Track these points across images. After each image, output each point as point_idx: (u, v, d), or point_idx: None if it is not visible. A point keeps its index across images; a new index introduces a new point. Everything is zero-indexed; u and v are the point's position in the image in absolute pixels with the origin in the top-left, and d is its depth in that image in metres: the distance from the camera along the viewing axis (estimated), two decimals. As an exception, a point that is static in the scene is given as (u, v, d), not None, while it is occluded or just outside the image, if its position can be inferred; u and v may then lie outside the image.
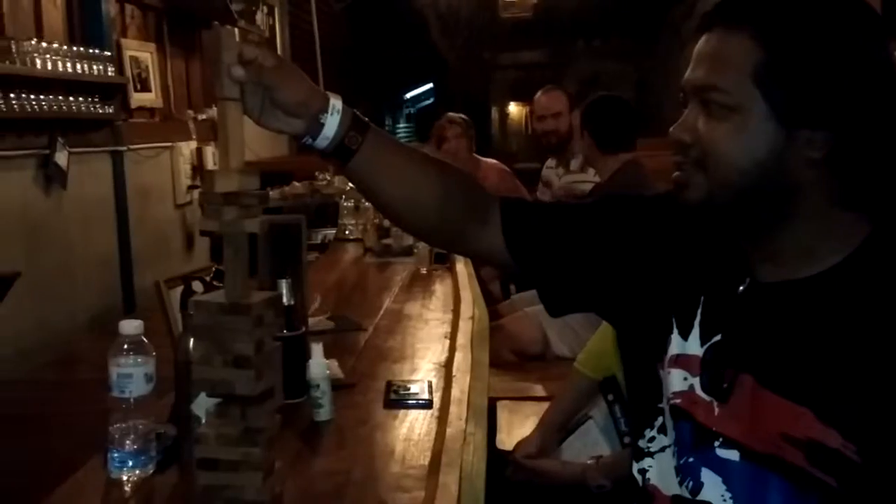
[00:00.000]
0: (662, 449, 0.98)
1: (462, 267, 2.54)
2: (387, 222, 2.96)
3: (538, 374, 2.31)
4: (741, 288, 0.91)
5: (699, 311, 0.94)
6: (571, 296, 1.08)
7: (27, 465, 0.95)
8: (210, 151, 4.84)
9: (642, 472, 1.00)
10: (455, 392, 1.45)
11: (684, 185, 0.89)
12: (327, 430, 1.34)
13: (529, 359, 2.47)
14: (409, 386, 1.51)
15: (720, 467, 0.88)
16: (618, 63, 8.23)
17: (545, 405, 1.85)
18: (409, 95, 10.76)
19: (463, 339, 1.79)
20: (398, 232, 2.90)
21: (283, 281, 1.47)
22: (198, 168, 4.75)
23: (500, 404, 2.05)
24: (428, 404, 1.42)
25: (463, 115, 4.09)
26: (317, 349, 1.40)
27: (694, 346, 0.93)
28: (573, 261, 1.05)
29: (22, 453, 1.44)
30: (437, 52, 9.19)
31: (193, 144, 4.72)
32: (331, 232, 3.28)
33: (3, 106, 3.02)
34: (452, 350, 1.72)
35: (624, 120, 2.70)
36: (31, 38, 3.27)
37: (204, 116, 4.84)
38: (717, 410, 0.89)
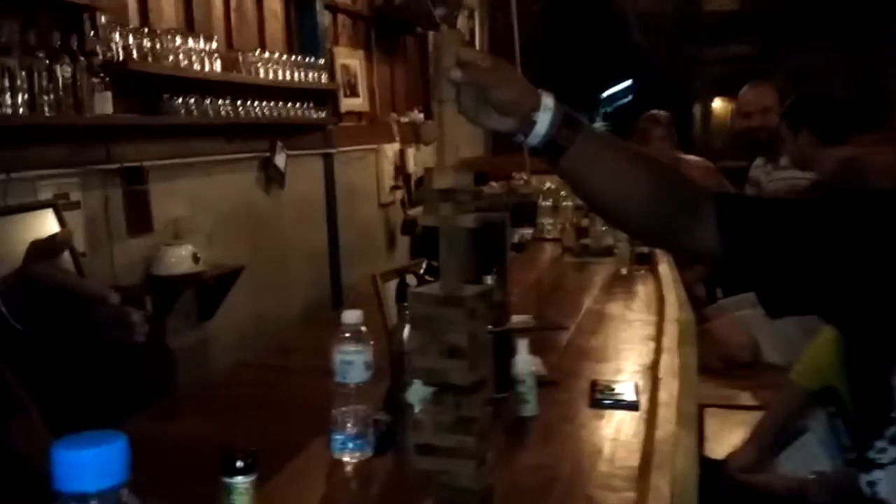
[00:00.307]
0: (895, 461, 0.92)
1: (665, 268, 2.47)
2: (585, 222, 2.93)
3: (748, 382, 2.19)
4: None
5: None
6: (793, 297, 1.02)
7: (256, 443, 1.03)
8: (411, 153, 5.03)
9: (871, 484, 0.95)
10: (663, 395, 1.41)
11: None
12: (533, 425, 1.35)
13: (737, 366, 2.36)
14: (613, 386, 1.49)
15: None
16: (835, 56, 7.63)
17: (755, 414, 1.76)
18: (605, 94, 10.64)
19: (669, 341, 1.74)
20: (597, 232, 2.86)
21: (489, 277, 1.50)
22: (400, 169, 4.96)
23: (707, 411, 1.97)
24: (634, 406, 1.39)
25: (666, 112, 3.97)
26: (522, 345, 1.41)
27: None
28: (797, 259, 0.99)
29: (252, 432, 1.57)
30: (636, 49, 8.98)
31: (396, 146, 4.93)
32: (528, 231, 3.30)
33: (231, 112, 3.31)
34: (658, 352, 1.68)
35: (842, 115, 2.52)
36: (255, 50, 3.56)
37: (406, 119, 5.04)
38: None
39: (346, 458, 1.18)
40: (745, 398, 2.10)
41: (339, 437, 1.18)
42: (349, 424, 1.19)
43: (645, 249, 2.69)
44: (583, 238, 2.91)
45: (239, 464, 0.93)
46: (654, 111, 4.01)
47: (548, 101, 1.00)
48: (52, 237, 0.97)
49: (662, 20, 8.26)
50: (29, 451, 1.26)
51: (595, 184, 1.04)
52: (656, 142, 3.89)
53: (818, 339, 1.62)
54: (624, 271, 2.57)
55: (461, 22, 5.86)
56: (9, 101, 2.22)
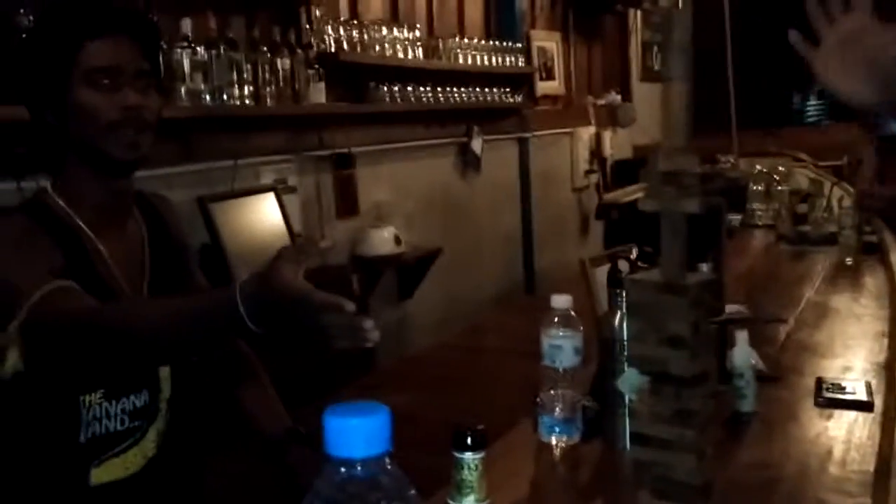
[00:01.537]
0: None
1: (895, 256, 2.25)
2: (803, 207, 2.73)
3: None
4: None
5: None
6: None
7: (462, 420, 1.05)
8: (608, 136, 4.92)
9: None
10: (900, 396, 1.28)
11: None
12: (752, 421, 1.28)
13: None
14: (842, 384, 1.37)
15: None
16: None
17: None
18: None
19: (906, 338, 1.58)
20: (817, 218, 2.66)
21: (704, 265, 1.43)
22: (595, 153, 4.87)
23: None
24: (868, 406, 1.28)
25: None
26: (741, 336, 1.33)
27: None
28: None
29: (457, 410, 1.60)
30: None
31: (592, 129, 4.85)
32: (737, 217, 3.12)
33: (431, 99, 3.39)
34: (893, 349, 1.53)
35: None
36: (454, 36, 3.62)
37: (603, 102, 4.94)
38: None
39: (553, 442, 1.17)
40: None
41: (547, 419, 1.17)
42: (558, 408, 1.17)
43: (874, 238, 2.46)
44: (800, 225, 2.71)
45: (470, 440, 0.95)
46: None
47: None
48: (297, 246, 1.03)
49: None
50: (257, 415, 1.36)
51: None
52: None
53: None
54: (849, 261, 2.37)
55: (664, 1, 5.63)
56: (236, 93, 2.40)
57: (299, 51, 2.63)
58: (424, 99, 3.35)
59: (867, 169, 3.86)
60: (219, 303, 0.98)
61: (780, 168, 3.30)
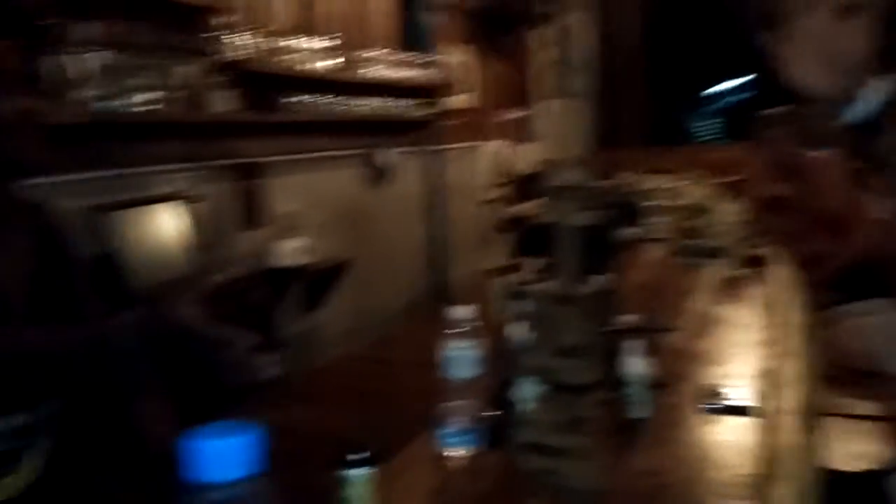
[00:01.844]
0: None
1: (780, 271, 2.37)
2: (694, 222, 2.85)
3: (871, 392, 2.08)
4: None
5: None
6: None
7: (364, 434, 1.05)
8: (516, 150, 5.01)
9: None
10: (783, 402, 1.35)
11: None
12: (642, 428, 1.33)
13: (858, 374, 2.24)
14: (725, 391, 1.44)
15: None
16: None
17: (879, 426, 1.66)
18: (716, 90, 10.30)
19: (783, 346, 1.67)
20: (707, 233, 2.78)
21: (598, 277, 1.47)
22: (504, 166, 4.94)
23: (827, 420, 1.88)
24: (747, 411, 1.35)
25: (791, 107, 3.83)
26: (632, 346, 1.38)
27: None
28: None
29: (358, 423, 1.59)
30: (749, 44, 8.65)
31: (501, 143, 4.93)
32: (633, 231, 3.23)
33: (340, 109, 3.39)
34: (772, 357, 1.61)
35: None
36: (365, 47, 3.63)
37: (512, 116, 5.03)
38: None
39: (453, 453, 1.19)
40: (869, 408, 1.99)
41: (447, 431, 1.19)
42: (457, 419, 1.19)
43: (757, 251, 2.59)
44: (694, 238, 2.83)
45: (357, 457, 0.95)
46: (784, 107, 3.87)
47: (879, 81, 0.98)
48: (188, 278, 1.02)
49: (776, 12, 7.93)
50: (151, 433, 1.32)
51: None
52: (777, 133, 3.76)
53: None
54: (735, 273, 2.49)
55: (568, 19, 5.79)
56: (137, 100, 2.34)
57: (204, 58, 2.58)
58: (334, 109, 3.35)
59: (762, 186, 4.07)
60: (109, 334, 0.95)
61: (678, 184, 3.43)
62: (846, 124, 1.00)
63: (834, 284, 2.99)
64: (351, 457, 0.95)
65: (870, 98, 0.97)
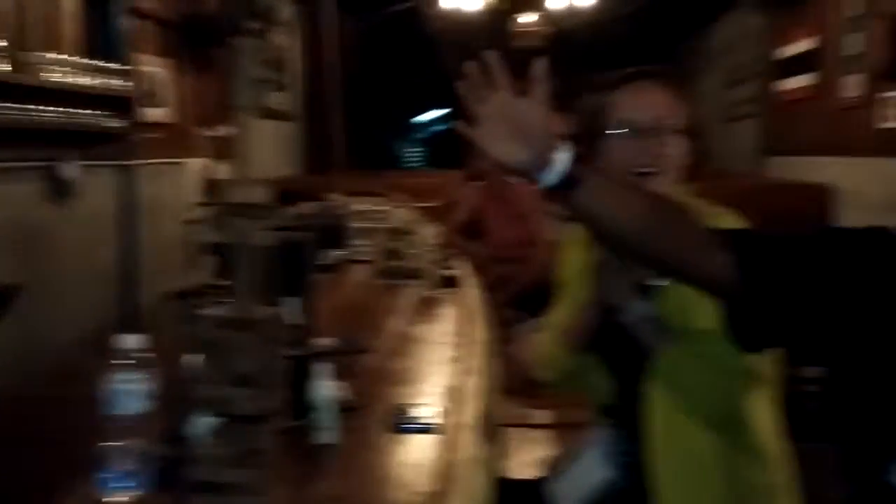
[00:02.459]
0: None
1: (472, 291, 2.50)
2: (396, 244, 2.93)
3: (547, 402, 2.26)
4: None
5: None
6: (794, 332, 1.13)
7: (15, 485, 0.91)
8: (219, 168, 4.83)
9: None
10: (463, 417, 1.40)
11: None
12: (330, 454, 1.30)
13: (539, 386, 2.42)
14: (415, 410, 1.47)
15: None
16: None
17: (553, 433, 1.80)
18: (421, 120, 10.79)
19: (472, 363, 1.75)
20: (408, 254, 2.86)
21: (290, 299, 1.43)
22: (207, 184, 4.74)
23: (507, 431, 2.00)
24: (435, 429, 1.38)
25: None
26: (321, 370, 1.35)
27: None
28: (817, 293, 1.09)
29: (10, 472, 1.40)
30: (452, 79, 9.20)
31: (203, 160, 4.72)
32: (340, 253, 3.24)
33: (16, 116, 3.01)
34: (461, 374, 1.68)
35: None
36: (47, 50, 3.27)
37: (214, 133, 4.85)
38: None
39: (116, 499, 1.07)
40: (545, 417, 2.16)
41: (109, 475, 1.07)
42: (122, 461, 1.07)
43: (452, 272, 2.72)
44: (394, 260, 2.90)
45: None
46: None
47: (564, 143, 1.09)
48: None
49: (478, 53, 8.54)
50: None
51: (609, 217, 1.10)
52: (486, 161, 4.00)
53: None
54: (433, 294, 2.58)
55: (275, 37, 5.74)
56: None
57: None
58: (8, 117, 2.96)
59: (461, 212, 4.31)
60: None
61: (382, 207, 3.51)
62: (548, 186, 1.09)
63: (517, 303, 3.24)
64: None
65: (561, 160, 1.07)
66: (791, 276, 1.11)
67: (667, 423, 1.44)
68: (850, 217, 4.67)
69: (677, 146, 1.48)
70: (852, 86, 4.76)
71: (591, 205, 1.10)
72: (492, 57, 1.12)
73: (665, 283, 1.46)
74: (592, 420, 1.66)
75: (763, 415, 1.49)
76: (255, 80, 5.59)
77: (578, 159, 1.08)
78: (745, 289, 1.09)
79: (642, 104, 1.48)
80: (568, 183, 1.08)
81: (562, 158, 1.07)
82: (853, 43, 4.75)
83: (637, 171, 1.47)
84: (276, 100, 6.02)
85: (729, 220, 1.46)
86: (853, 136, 4.73)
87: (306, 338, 1.50)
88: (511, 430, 2.03)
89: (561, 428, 2.00)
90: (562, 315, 1.64)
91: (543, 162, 1.08)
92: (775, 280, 1.10)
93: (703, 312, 1.40)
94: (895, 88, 4.22)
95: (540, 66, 1.10)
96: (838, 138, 4.97)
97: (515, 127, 1.08)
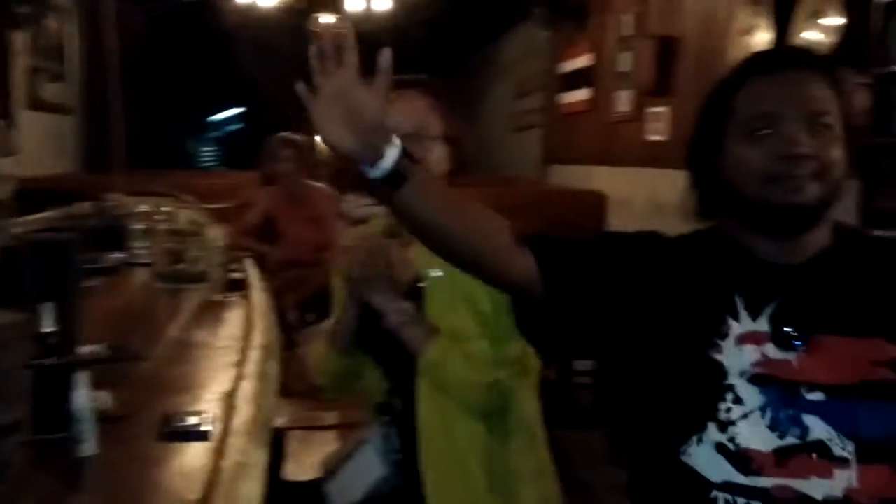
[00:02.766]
0: (745, 415, 1.10)
1: (257, 294, 2.47)
2: (180, 246, 2.82)
3: (333, 404, 2.27)
4: (774, 271, 1.15)
5: (741, 299, 1.14)
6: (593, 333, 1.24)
7: None
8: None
9: (731, 440, 1.10)
10: (236, 422, 1.38)
11: (801, 189, 1.10)
12: (90, 466, 1.24)
13: (321, 388, 2.43)
14: (186, 417, 1.43)
15: (815, 409, 1.08)
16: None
17: (338, 433, 1.82)
18: (215, 118, 10.40)
19: (251, 367, 1.73)
20: (192, 257, 2.76)
21: (46, 305, 1.35)
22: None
23: (290, 434, 1.99)
24: (205, 435, 1.35)
25: (304, 137, 4.06)
26: (81, 379, 1.28)
27: (751, 323, 1.13)
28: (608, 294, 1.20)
29: None
30: (247, 76, 8.97)
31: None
32: (119, 256, 3.07)
33: None
34: (239, 379, 1.65)
35: None
36: None
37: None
38: (796, 365, 1.10)
39: None
40: (329, 418, 2.18)
41: None
42: None
43: (237, 275, 2.67)
44: (176, 263, 2.79)
45: None
46: (286, 134, 4.08)
47: (396, 137, 1.09)
48: None
49: (276, 51, 8.39)
50: None
51: (430, 218, 1.12)
52: (284, 163, 3.96)
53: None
54: (216, 297, 2.51)
55: (51, 23, 5.32)
56: None
57: None
58: None
59: (254, 214, 4.21)
60: None
61: (164, 208, 3.36)
62: (374, 179, 1.08)
63: (309, 307, 3.23)
64: None
65: (391, 155, 1.07)
66: (582, 278, 1.20)
67: (433, 417, 1.51)
68: (619, 222, 5.10)
69: (436, 153, 1.55)
70: (623, 101, 5.20)
71: (412, 203, 1.11)
72: (349, 37, 1.09)
73: (427, 283, 1.53)
74: (368, 419, 1.69)
75: (525, 404, 1.60)
76: (28, 68, 5.15)
77: (407, 156, 1.09)
78: (546, 290, 1.17)
79: (401, 111, 1.54)
80: (393, 179, 1.08)
81: (392, 154, 1.07)
82: (624, 61, 5.19)
83: None
84: (52, 91, 5.58)
85: None
86: (623, 147, 5.17)
87: (67, 345, 1.41)
88: (297, 432, 2.03)
89: (347, 429, 2.02)
90: (334, 318, 1.67)
91: (373, 154, 1.07)
92: (572, 282, 1.19)
93: (464, 311, 1.49)
94: (660, 104, 4.66)
95: (385, 58, 1.08)
96: (611, 149, 5.40)
97: (351, 112, 1.06)
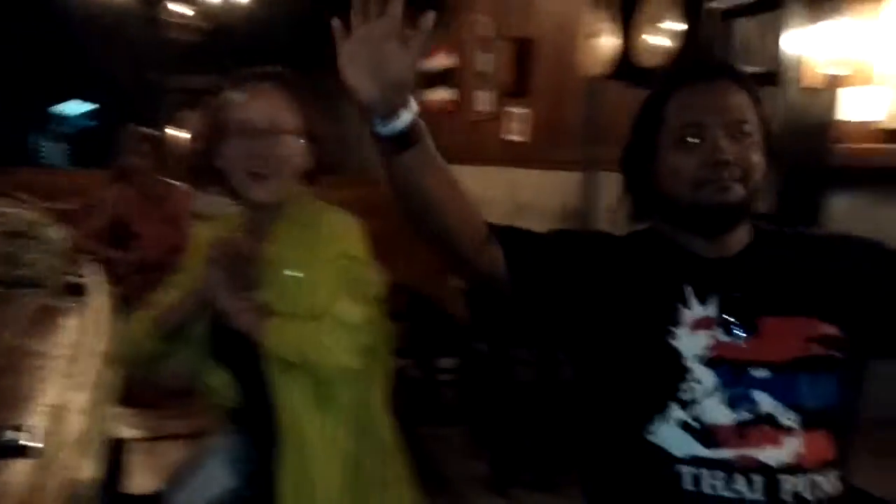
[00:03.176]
0: (706, 394, 1.18)
1: (98, 300, 2.34)
2: (13, 249, 2.63)
3: (181, 411, 2.19)
4: (712, 264, 1.24)
5: (689, 289, 1.23)
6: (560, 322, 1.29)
7: None
8: None
9: (696, 418, 1.17)
10: (66, 436, 1.31)
11: (727, 190, 1.19)
12: None
13: (174, 394, 2.33)
14: (9, 432, 1.33)
15: (762, 385, 1.17)
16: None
17: (185, 443, 1.75)
18: (64, 113, 9.80)
19: (87, 377, 1.64)
20: (29, 259, 2.59)
21: None
22: None
23: (134, 445, 1.90)
24: (30, 451, 1.26)
25: (158, 133, 3.86)
26: None
27: (702, 310, 1.21)
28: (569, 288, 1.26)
29: None
30: (101, 68, 8.51)
31: None
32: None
33: None
34: (71, 389, 1.56)
35: None
36: None
37: None
38: (744, 346, 1.19)
39: None
40: (178, 427, 2.09)
41: None
42: None
43: (79, 280, 2.53)
44: (9, 266, 2.60)
45: None
46: (142, 128, 3.88)
47: (413, 101, 1.09)
48: None
49: (127, 45, 8.00)
50: None
51: (423, 187, 1.14)
52: (138, 158, 3.76)
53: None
54: (56, 303, 2.36)
55: None
56: None
57: None
58: None
59: (102, 214, 3.98)
60: None
61: (1, 209, 3.14)
62: (379, 135, 1.08)
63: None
64: None
65: (406, 118, 1.07)
66: (547, 273, 1.26)
67: (288, 416, 1.45)
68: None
69: (292, 149, 1.52)
70: (483, 101, 5.29)
71: (411, 168, 1.12)
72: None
73: (282, 281, 1.48)
74: (216, 427, 1.63)
75: (379, 408, 1.58)
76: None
77: (419, 121, 1.10)
78: (512, 283, 1.22)
79: (257, 106, 1.50)
80: (401, 140, 1.09)
81: (406, 117, 1.08)
82: (485, 62, 5.28)
83: (250, 171, 1.49)
84: None
85: (342, 220, 1.54)
86: (484, 146, 5.26)
87: None
88: (142, 443, 1.94)
89: (196, 438, 1.95)
90: (166, 299, 1.60)
91: (388, 111, 1.07)
92: (537, 276, 1.25)
93: (312, 302, 1.45)
94: (518, 105, 4.77)
95: (427, 21, 1.08)
96: (472, 148, 5.49)
97: (380, 62, 1.04)
